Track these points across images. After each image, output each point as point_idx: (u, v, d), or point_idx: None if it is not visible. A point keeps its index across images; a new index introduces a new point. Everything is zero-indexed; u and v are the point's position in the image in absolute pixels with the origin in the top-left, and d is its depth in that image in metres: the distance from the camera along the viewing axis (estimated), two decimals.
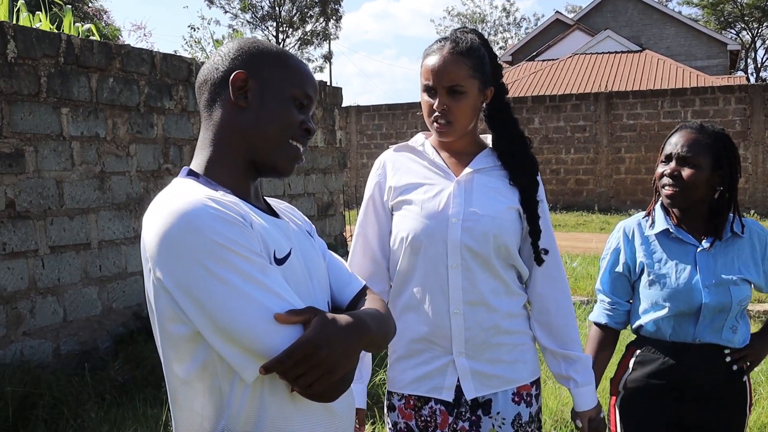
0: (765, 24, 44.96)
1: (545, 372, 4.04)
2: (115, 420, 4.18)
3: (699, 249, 2.28)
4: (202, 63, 6.31)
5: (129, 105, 5.56)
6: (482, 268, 1.99)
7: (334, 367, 1.22)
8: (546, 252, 2.04)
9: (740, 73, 36.06)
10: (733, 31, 44.48)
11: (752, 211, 16.15)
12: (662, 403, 2.29)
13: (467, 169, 2.06)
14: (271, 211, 1.48)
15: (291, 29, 37.55)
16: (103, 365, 5.00)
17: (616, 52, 26.07)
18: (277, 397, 1.28)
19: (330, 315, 1.27)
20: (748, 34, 45.52)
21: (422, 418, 2.05)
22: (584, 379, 2.08)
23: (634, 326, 2.39)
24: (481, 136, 2.15)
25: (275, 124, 1.41)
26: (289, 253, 1.36)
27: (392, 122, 20.66)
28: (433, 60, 1.98)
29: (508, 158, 2.07)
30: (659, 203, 2.37)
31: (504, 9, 58.44)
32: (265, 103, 1.40)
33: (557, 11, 34.46)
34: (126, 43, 14.76)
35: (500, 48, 50.71)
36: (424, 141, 2.16)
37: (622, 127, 17.98)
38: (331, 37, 39.44)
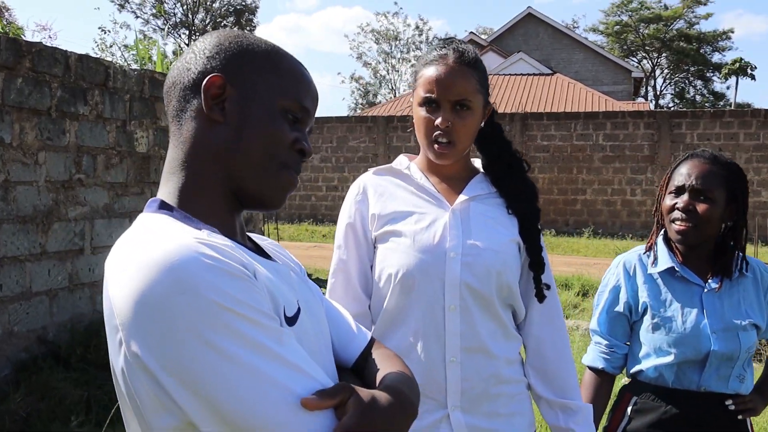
0: (663, 54, 47.23)
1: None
2: None
3: (706, 290, 2.12)
4: (120, 67, 5.88)
5: (39, 108, 5.06)
6: (482, 310, 1.75)
7: None
8: (548, 287, 1.82)
9: (641, 100, 37.60)
10: (635, 59, 46.46)
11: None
12: None
13: (462, 196, 1.82)
14: (261, 253, 1.16)
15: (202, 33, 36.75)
16: (2, 397, 4.48)
17: (529, 74, 26.66)
18: None
19: (367, 393, 0.98)
20: (648, 62, 47.65)
21: None
22: (585, 431, 1.86)
23: (632, 371, 2.20)
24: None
25: (260, 145, 1.08)
26: (299, 309, 1.07)
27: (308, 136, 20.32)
28: (438, 70, 1.73)
29: (504, 183, 1.84)
30: (661, 238, 2.19)
31: (417, 27, 59.07)
32: (247, 118, 1.08)
33: (471, 32, 35.10)
34: None
35: (412, 66, 51.21)
36: (409, 164, 1.90)
37: (536, 148, 18.27)
38: None
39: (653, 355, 2.13)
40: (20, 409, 4.27)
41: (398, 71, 52.48)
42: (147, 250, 0.94)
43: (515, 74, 26.89)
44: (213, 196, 1.10)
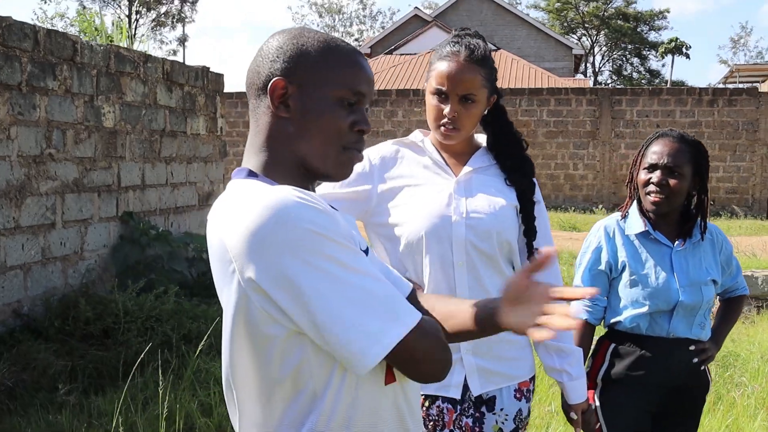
0: (602, 32, 48.26)
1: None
2: (11, 430, 3.82)
3: (674, 250, 2.44)
4: (87, 42, 5.90)
5: (10, 83, 5.08)
6: (486, 265, 2.02)
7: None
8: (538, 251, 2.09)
9: (580, 77, 38.47)
10: (574, 36, 47.37)
11: (600, 206, 17.30)
12: (641, 392, 2.44)
13: (466, 168, 2.09)
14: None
15: (145, 9, 35.89)
16: None
17: None
18: (369, 395, 1.25)
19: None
20: (587, 40, 48.64)
21: (430, 418, 2.05)
22: (577, 372, 2.15)
23: (610, 321, 2.50)
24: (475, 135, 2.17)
25: (320, 133, 1.30)
26: (368, 248, 1.33)
27: None
28: (449, 66, 1.99)
29: (505, 159, 2.11)
30: (635, 206, 2.49)
31: (361, 1, 58.93)
32: (307, 111, 1.30)
33: (416, 7, 35.17)
34: None
35: (356, 40, 51.12)
36: (423, 138, 2.15)
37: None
38: (186, 20, 38.11)
39: (630, 306, 2.45)
40: (5, 380, 4.36)
41: None
42: (252, 198, 1.19)
43: None
44: (288, 170, 1.33)
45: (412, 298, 1.45)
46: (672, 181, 2.38)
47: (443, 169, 2.09)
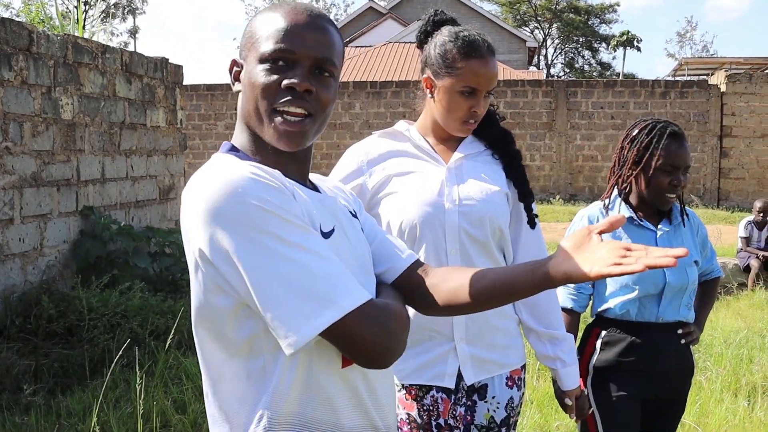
0: (554, 24, 48.82)
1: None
2: None
3: (658, 234, 2.48)
4: (43, 32, 5.72)
5: None
6: (479, 252, 2.02)
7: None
8: (537, 216, 2.09)
9: (533, 69, 38.85)
10: (527, 29, 47.82)
11: (557, 197, 17.51)
12: (632, 378, 2.46)
13: (457, 154, 2.08)
14: (314, 188, 1.40)
15: (95, 0, 35.06)
16: None
17: None
18: (322, 378, 1.23)
19: (383, 302, 1.27)
20: (540, 32, 49.14)
21: (424, 408, 2.04)
22: (571, 358, 2.16)
23: (599, 309, 2.51)
24: None
25: (251, 95, 1.29)
26: (333, 229, 1.30)
27: (211, 102, 19.98)
28: (484, 65, 1.98)
29: (484, 134, 2.11)
30: (615, 194, 2.50)
31: None
32: (246, 82, 1.30)
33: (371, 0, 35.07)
34: None
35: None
36: (408, 128, 2.14)
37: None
38: (137, 11, 37.34)
39: (619, 293, 2.47)
40: None
41: None
42: (212, 173, 1.21)
43: (415, 42, 27.20)
44: (255, 145, 1.34)
45: (412, 270, 1.45)
46: (685, 179, 2.44)
47: (432, 157, 2.08)
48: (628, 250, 1.13)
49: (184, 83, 8.80)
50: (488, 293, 1.35)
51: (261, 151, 1.32)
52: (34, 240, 5.62)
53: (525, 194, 2.08)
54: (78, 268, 5.95)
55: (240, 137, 1.35)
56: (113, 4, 35.94)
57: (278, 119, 1.26)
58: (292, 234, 1.16)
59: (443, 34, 2.03)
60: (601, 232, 1.20)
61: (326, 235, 1.26)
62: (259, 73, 1.27)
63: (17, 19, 6.03)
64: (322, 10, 1.37)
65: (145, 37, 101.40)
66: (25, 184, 5.49)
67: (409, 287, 1.43)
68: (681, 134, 2.45)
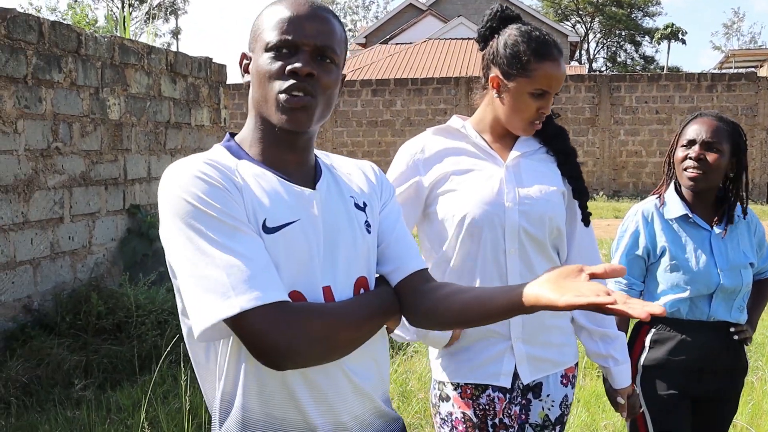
0: (597, 18, 48.16)
1: None
2: (30, 427, 3.78)
3: (714, 234, 2.42)
4: (91, 34, 5.83)
5: (16, 76, 5.01)
6: (537, 252, 1.99)
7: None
8: (591, 214, 2.07)
9: (575, 63, 38.40)
10: (569, 23, 47.26)
11: (600, 193, 17.28)
12: (682, 376, 2.42)
13: (514, 152, 2.05)
14: (309, 181, 1.41)
15: (138, 2, 35.64)
16: None
17: (470, 39, 26.90)
18: (252, 372, 1.30)
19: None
20: (582, 27, 48.53)
21: (480, 407, 2.02)
22: (623, 356, 2.13)
23: None
24: None
25: (261, 85, 1.36)
26: (288, 224, 1.32)
27: None
28: (557, 68, 1.94)
29: (540, 131, 2.07)
30: (672, 188, 2.45)
31: None
32: (254, 70, 1.38)
33: None
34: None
35: (350, 30, 50.90)
36: (464, 124, 2.10)
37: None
38: (179, 12, 37.85)
39: (670, 291, 2.42)
40: (19, 376, 4.32)
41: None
42: (174, 168, 1.31)
43: (456, 38, 27.11)
44: (262, 135, 1.40)
45: (415, 277, 1.45)
46: (711, 156, 2.35)
47: (490, 155, 2.04)
48: (608, 294, 1.09)
49: (228, 82, 8.89)
50: (464, 309, 1.35)
51: (259, 143, 1.40)
52: (83, 238, 5.73)
53: (580, 192, 2.05)
54: (125, 266, 6.06)
55: (245, 129, 1.43)
56: (156, 5, 36.50)
57: (283, 96, 1.33)
58: (216, 231, 1.23)
59: (513, 33, 1.97)
60: (592, 275, 1.16)
61: (270, 230, 1.30)
62: (265, 61, 1.34)
63: (65, 22, 6.15)
64: (324, 2, 1.41)
65: (186, 38, 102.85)
66: (74, 184, 5.61)
67: (405, 293, 1.44)
68: (710, 114, 2.41)
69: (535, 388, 2.04)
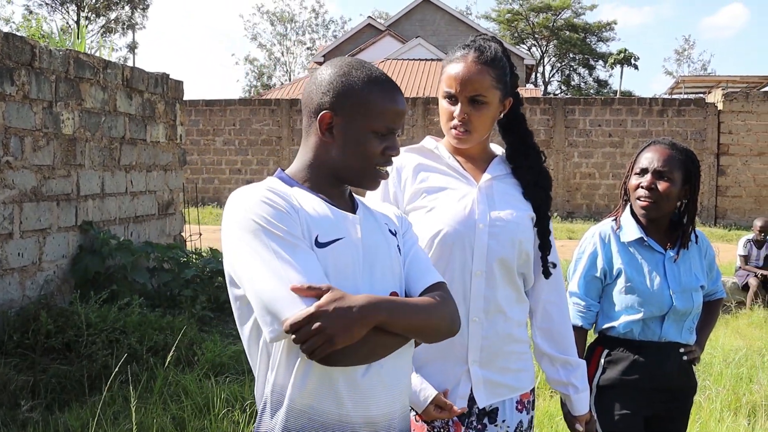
0: (552, 42, 49.10)
1: None
2: None
3: (667, 258, 2.48)
4: (46, 47, 5.74)
5: None
6: (503, 276, 2.01)
7: (331, 338, 1.37)
8: (554, 266, 2.09)
9: (530, 86, 39.02)
10: (524, 46, 48.08)
11: (554, 214, 17.54)
12: (635, 396, 2.47)
13: (486, 175, 2.06)
14: (349, 209, 1.64)
15: (94, 15, 35.16)
16: None
17: (427, 59, 27.18)
18: (306, 362, 1.45)
19: (341, 293, 1.41)
20: (537, 50, 49.42)
21: (435, 429, 2.01)
22: (583, 384, 2.15)
23: (602, 327, 2.51)
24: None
25: (357, 158, 1.58)
26: (336, 240, 1.53)
27: (209, 118, 20.04)
28: (457, 68, 1.97)
29: (523, 172, 2.07)
30: (627, 211, 2.51)
31: (313, 10, 58.77)
32: (347, 141, 1.57)
33: (370, 16, 35.30)
34: None
35: (308, 49, 50.97)
36: (437, 145, 2.12)
37: (438, 132, 18.73)
38: (137, 26, 37.47)
39: (624, 312, 2.48)
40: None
41: (293, 54, 52.08)
42: (239, 195, 1.53)
43: (413, 59, 27.36)
44: (324, 178, 1.62)
45: (430, 290, 1.61)
46: (662, 185, 2.41)
47: (462, 175, 2.05)
48: None
49: (184, 99, 8.81)
50: None
51: (311, 180, 1.62)
52: (33, 254, 5.61)
53: (543, 245, 2.06)
54: (77, 283, 5.93)
55: (299, 167, 1.64)
56: (113, 20, 36.07)
57: (379, 171, 1.62)
58: (281, 247, 1.44)
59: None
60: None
61: (322, 244, 1.51)
62: (371, 141, 1.57)
63: (18, 33, 6.04)
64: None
65: (144, 53, 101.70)
66: (24, 199, 5.49)
67: None
68: (663, 143, 2.48)
69: (491, 413, 2.03)
